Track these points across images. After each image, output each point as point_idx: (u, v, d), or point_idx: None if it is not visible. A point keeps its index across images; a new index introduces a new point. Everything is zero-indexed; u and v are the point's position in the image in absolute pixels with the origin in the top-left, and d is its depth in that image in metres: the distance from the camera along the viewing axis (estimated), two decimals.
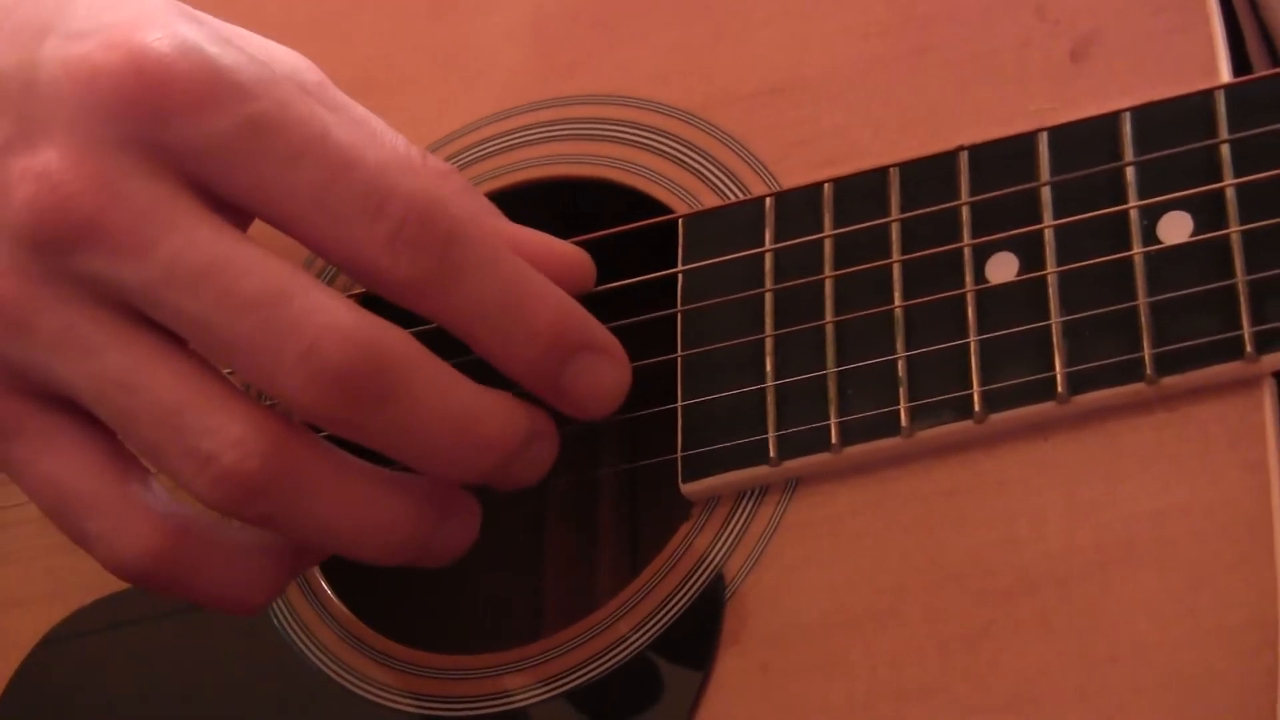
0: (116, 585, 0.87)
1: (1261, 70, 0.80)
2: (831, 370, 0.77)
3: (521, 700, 0.79)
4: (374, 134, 0.78)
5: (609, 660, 0.78)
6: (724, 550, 0.78)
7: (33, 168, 0.71)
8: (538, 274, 0.75)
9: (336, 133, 0.72)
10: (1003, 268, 0.76)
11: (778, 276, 0.80)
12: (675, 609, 0.78)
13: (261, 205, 0.72)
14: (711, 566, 0.78)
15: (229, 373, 0.75)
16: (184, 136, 0.71)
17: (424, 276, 0.72)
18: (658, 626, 0.78)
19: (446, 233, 0.73)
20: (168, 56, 0.71)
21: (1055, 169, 0.76)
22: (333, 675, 0.83)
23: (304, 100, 0.73)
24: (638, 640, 0.78)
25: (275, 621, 0.85)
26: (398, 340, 0.72)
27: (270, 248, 0.73)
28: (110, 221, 0.71)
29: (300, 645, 0.84)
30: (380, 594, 0.87)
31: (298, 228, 0.72)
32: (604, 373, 0.76)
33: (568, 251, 0.80)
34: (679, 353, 0.80)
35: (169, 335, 0.73)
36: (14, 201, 0.72)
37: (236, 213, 0.73)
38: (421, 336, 0.74)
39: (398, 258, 0.72)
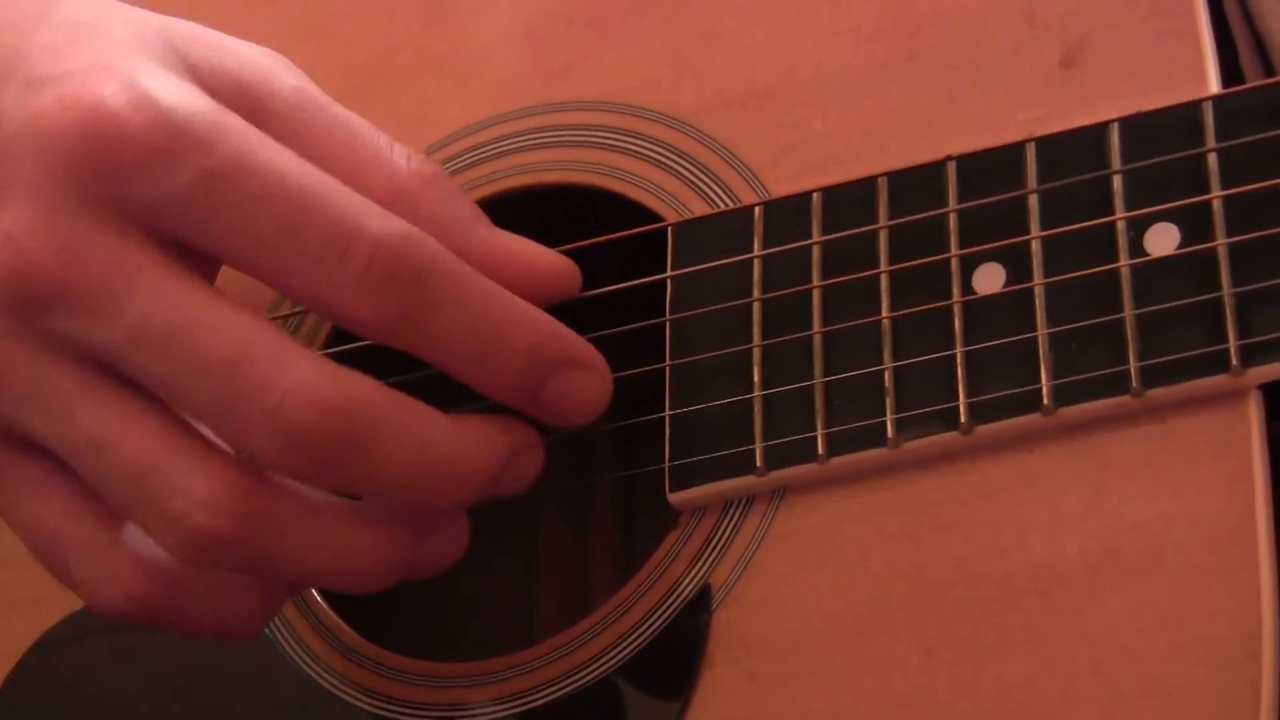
0: None
1: (1254, 80, 0.80)
2: (819, 380, 0.77)
3: (502, 709, 0.80)
4: (352, 137, 0.78)
5: (598, 667, 0.79)
6: (711, 560, 0.78)
7: None
8: (511, 296, 0.75)
9: (297, 175, 0.72)
10: (990, 278, 0.76)
11: (766, 286, 0.80)
12: (662, 618, 0.78)
13: (227, 253, 0.72)
14: (698, 576, 0.78)
15: None
16: (143, 192, 0.71)
17: (395, 315, 0.72)
18: (645, 635, 0.78)
19: (416, 269, 0.72)
20: (121, 113, 0.70)
21: (1043, 179, 0.76)
22: (316, 677, 0.83)
23: (263, 145, 0.72)
24: (626, 648, 0.78)
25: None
26: (365, 393, 0.72)
27: (241, 288, 0.73)
28: (74, 285, 0.71)
29: (288, 650, 0.84)
30: (372, 600, 0.87)
31: (264, 273, 0.72)
32: (584, 386, 0.77)
33: (553, 260, 0.80)
34: (667, 362, 0.80)
35: (142, 391, 0.73)
36: None
37: (204, 259, 0.73)
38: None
39: (366, 298, 0.72)
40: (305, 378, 0.70)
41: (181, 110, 0.71)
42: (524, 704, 0.79)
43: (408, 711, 0.81)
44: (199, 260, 0.73)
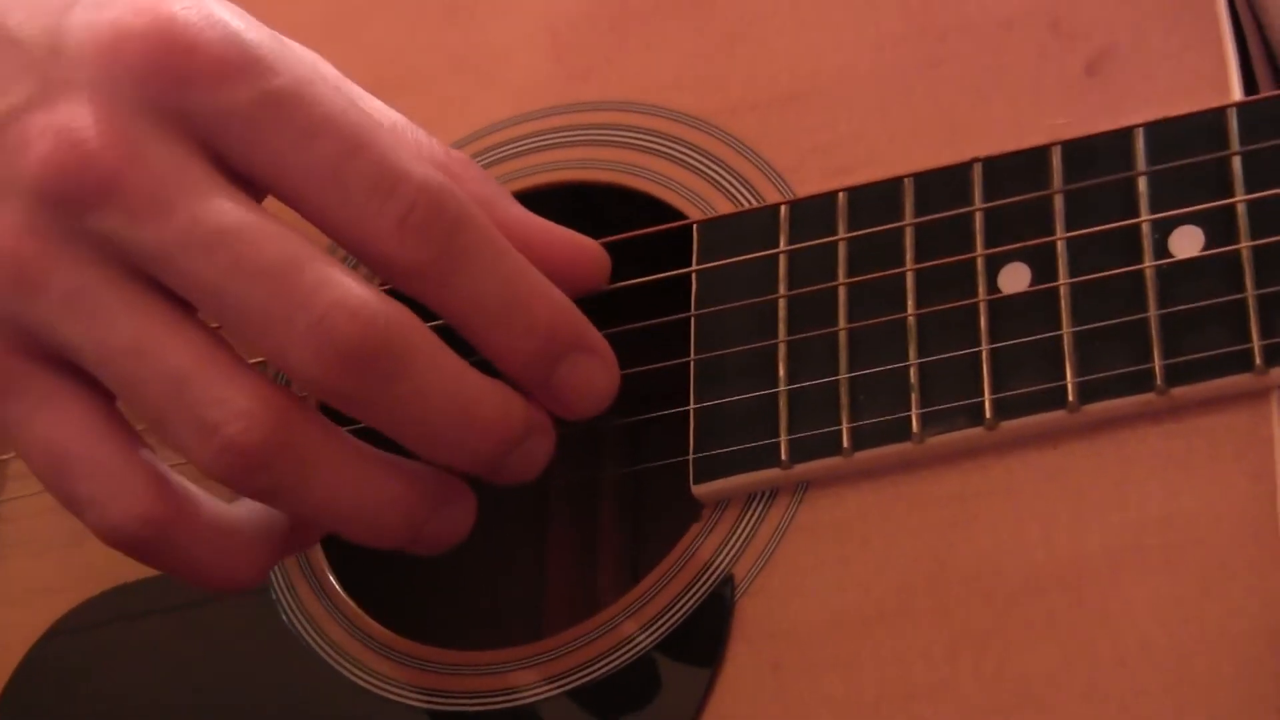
0: (122, 577, 0.88)
1: (1265, 83, 0.81)
2: (844, 376, 0.78)
3: (531, 696, 0.80)
4: (393, 126, 0.79)
5: (620, 656, 0.79)
6: (734, 551, 0.79)
7: (53, 124, 0.72)
8: (538, 272, 0.76)
9: (353, 113, 0.73)
10: (1015, 278, 0.77)
11: (791, 284, 0.80)
12: (685, 608, 0.79)
13: (275, 180, 0.73)
14: (722, 567, 0.79)
15: None
16: (205, 105, 0.72)
17: (429, 262, 0.73)
18: (668, 625, 0.79)
19: (454, 220, 0.73)
20: (195, 25, 0.72)
21: (1068, 182, 0.77)
22: (340, 669, 0.84)
23: (323, 80, 0.74)
24: (648, 637, 0.79)
25: (283, 616, 0.86)
26: (406, 320, 0.72)
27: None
28: (129, 182, 0.71)
29: (307, 639, 0.85)
30: (385, 587, 0.87)
31: (308, 205, 0.73)
32: (594, 374, 0.77)
33: (585, 244, 0.81)
34: (692, 356, 0.81)
35: (181, 303, 0.73)
36: (33, 157, 0.72)
37: (250, 187, 0.74)
38: None
39: (405, 241, 0.72)
40: (352, 292, 0.71)
41: (251, 33, 0.73)
42: (544, 692, 0.80)
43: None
44: (246, 189, 0.73)
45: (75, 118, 0.72)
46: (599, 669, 0.79)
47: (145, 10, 0.72)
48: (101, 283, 0.72)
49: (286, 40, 0.78)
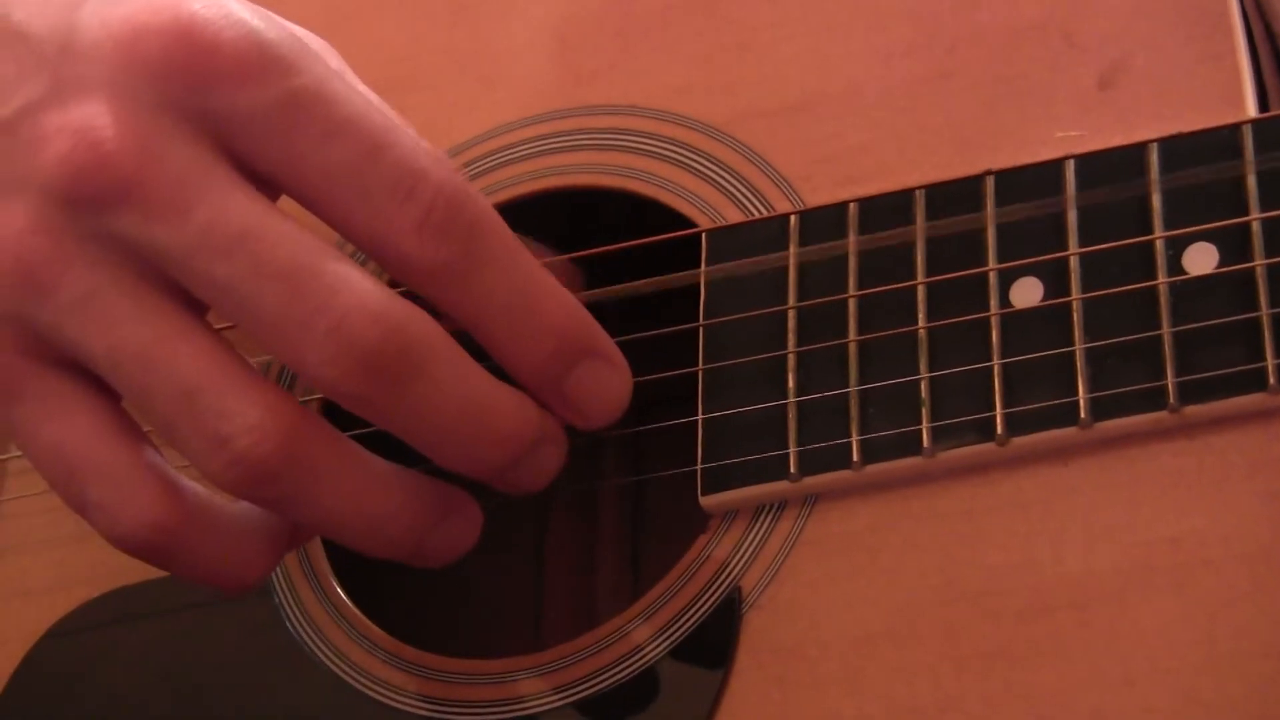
0: (124, 579, 0.88)
1: (1276, 92, 0.81)
2: (854, 389, 0.78)
3: (534, 707, 0.80)
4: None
5: (625, 668, 0.79)
6: (742, 563, 0.78)
7: (70, 123, 0.71)
8: (551, 275, 0.76)
9: (374, 112, 0.72)
10: (1028, 292, 0.77)
11: (801, 294, 0.80)
12: (692, 620, 0.78)
13: (294, 180, 0.72)
14: (729, 579, 0.78)
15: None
16: (225, 105, 0.71)
17: (447, 264, 0.72)
18: (674, 637, 0.78)
19: (472, 221, 0.73)
20: (215, 23, 0.71)
21: (1081, 197, 0.77)
22: (344, 675, 0.83)
23: (342, 79, 0.73)
24: (653, 650, 0.79)
25: (286, 621, 0.85)
26: (424, 323, 0.72)
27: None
28: (148, 182, 0.70)
29: (310, 645, 0.84)
30: (386, 590, 0.87)
31: (327, 206, 0.72)
32: (608, 381, 0.77)
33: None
34: (700, 366, 0.81)
35: (194, 310, 0.73)
36: (49, 156, 0.71)
37: (266, 187, 0.73)
38: None
39: (424, 242, 0.72)
40: (370, 294, 0.71)
41: (270, 32, 0.72)
42: (551, 703, 0.79)
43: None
44: (263, 189, 0.72)
45: (93, 117, 0.71)
46: (607, 679, 0.79)
47: (164, 8, 0.71)
48: (113, 287, 0.72)
49: (305, 36, 0.77)
